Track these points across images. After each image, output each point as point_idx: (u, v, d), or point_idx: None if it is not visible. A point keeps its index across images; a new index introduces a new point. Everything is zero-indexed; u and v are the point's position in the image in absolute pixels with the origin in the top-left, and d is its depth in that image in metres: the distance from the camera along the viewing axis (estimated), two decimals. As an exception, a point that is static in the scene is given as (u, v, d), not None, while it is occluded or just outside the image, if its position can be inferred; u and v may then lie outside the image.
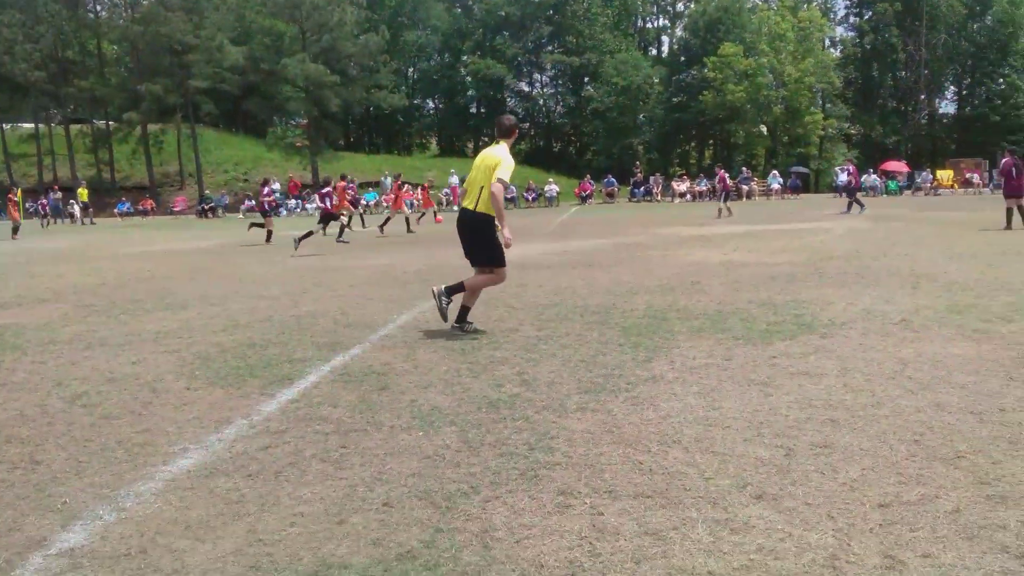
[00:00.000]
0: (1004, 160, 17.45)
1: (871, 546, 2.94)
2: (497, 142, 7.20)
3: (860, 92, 63.57)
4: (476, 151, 69.97)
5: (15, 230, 27.59)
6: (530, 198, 43.30)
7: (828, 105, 60.11)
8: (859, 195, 28.21)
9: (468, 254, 7.31)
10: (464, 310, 7.29)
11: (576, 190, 46.00)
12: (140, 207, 46.78)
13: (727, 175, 29.64)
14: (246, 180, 52.10)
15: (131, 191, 51.68)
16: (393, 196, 23.38)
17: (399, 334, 7.34)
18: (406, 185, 23.76)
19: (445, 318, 7.27)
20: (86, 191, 42.33)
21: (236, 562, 2.99)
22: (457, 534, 3.15)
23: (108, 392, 5.54)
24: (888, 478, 3.57)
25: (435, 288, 7.29)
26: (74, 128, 53.72)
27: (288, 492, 3.65)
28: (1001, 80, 58.52)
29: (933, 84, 62.76)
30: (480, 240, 7.11)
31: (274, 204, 22.97)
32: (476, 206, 7.00)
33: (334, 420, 4.70)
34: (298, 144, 53.44)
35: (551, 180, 45.98)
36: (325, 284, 11.31)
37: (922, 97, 61.66)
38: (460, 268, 8.60)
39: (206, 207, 43.82)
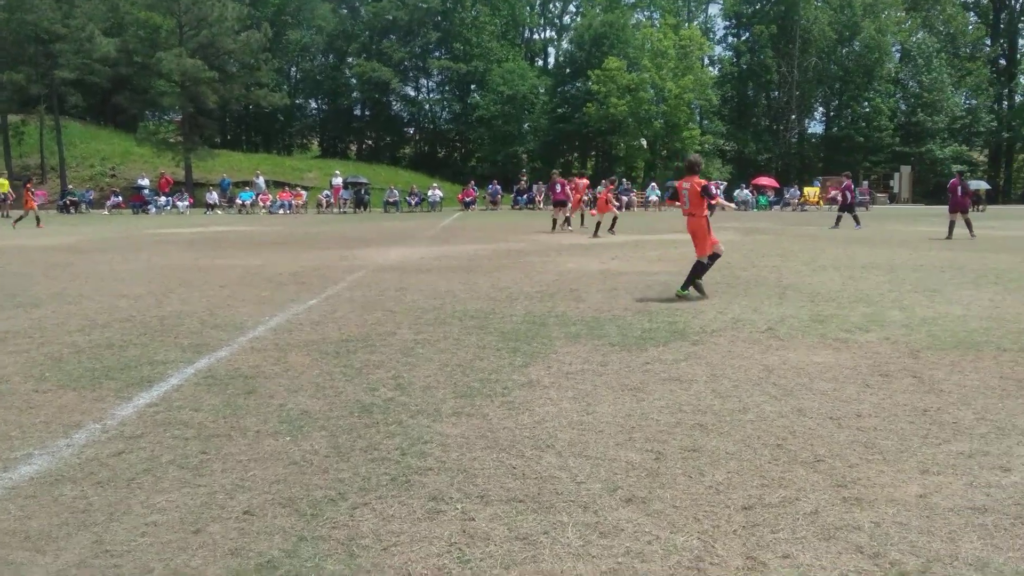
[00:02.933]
0: (952, 180, 20.78)
1: (734, 548, 2.99)
2: None
3: (736, 110, 66.10)
4: (359, 153, 69.63)
5: None
6: (413, 203, 42.91)
7: (705, 121, 62.32)
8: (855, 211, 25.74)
9: None
10: None
11: (460, 195, 45.97)
12: (-7, 199, 43.78)
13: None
14: (113, 175, 49.68)
15: (-16, 183, 48.26)
16: (601, 199, 22.34)
17: (270, 336, 7.09)
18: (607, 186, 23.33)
19: None
20: (7, 182, 38.64)
21: (79, 575, 2.78)
22: (321, 542, 3.04)
23: (-55, 395, 5.12)
24: (752, 481, 3.66)
25: None
26: (-75, 116, 49.93)
27: (141, 500, 3.44)
28: (866, 103, 61.78)
29: (803, 105, 65.86)
30: None
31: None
32: None
33: (195, 425, 4.48)
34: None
35: (435, 185, 45.78)
36: (193, 284, 10.85)
37: (793, 117, 64.62)
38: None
39: (68, 202, 41.48)
